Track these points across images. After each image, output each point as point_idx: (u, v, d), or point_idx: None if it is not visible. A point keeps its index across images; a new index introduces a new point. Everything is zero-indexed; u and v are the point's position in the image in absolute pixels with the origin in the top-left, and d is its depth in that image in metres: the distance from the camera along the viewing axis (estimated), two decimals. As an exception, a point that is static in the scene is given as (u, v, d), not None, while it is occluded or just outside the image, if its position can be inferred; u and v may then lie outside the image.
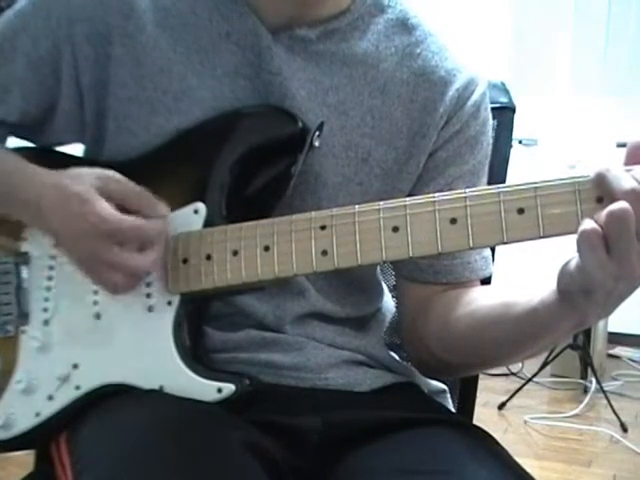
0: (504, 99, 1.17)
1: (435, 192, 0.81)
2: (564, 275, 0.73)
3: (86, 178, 0.85)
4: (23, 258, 0.94)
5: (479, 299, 0.93)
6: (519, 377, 3.45)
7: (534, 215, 0.74)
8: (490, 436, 0.91)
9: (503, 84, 1.19)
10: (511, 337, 0.87)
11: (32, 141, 1.00)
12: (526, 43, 4.20)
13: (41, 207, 0.87)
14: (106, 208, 0.82)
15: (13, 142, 1.00)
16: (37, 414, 0.90)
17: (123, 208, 0.84)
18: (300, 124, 0.88)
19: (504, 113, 1.16)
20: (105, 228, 0.82)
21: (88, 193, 0.83)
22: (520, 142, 3.43)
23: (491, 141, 1.00)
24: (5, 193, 0.91)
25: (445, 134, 0.96)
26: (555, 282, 0.76)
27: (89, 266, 0.86)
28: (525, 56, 4.20)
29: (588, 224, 0.69)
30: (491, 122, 1.00)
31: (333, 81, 0.93)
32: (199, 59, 0.92)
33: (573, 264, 0.72)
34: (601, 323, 3.52)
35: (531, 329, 0.83)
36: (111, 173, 0.86)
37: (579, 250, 0.70)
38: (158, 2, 0.92)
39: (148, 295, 0.87)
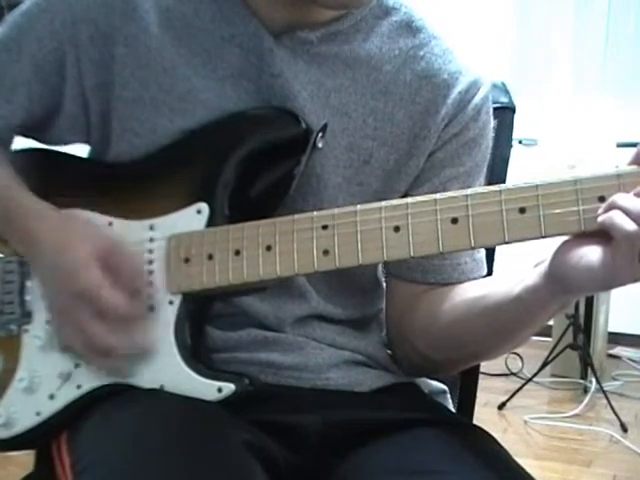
0: (504, 99, 1.17)
1: (429, 192, 0.81)
2: (579, 271, 0.74)
3: (87, 238, 0.86)
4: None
5: (463, 293, 0.94)
6: (519, 377, 3.45)
7: (535, 215, 0.74)
8: (490, 436, 0.91)
9: (503, 84, 1.19)
10: (494, 327, 0.88)
11: (38, 140, 1.00)
12: (526, 43, 4.20)
13: (33, 247, 0.88)
14: (96, 278, 0.82)
15: (19, 142, 1.00)
16: (38, 413, 0.90)
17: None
18: (303, 125, 0.88)
19: (504, 113, 1.16)
20: (88, 297, 0.82)
21: (85, 258, 0.83)
22: (520, 142, 3.43)
23: (491, 144, 1.01)
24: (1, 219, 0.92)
25: (445, 136, 0.96)
26: (547, 271, 0.77)
27: (58, 317, 0.87)
28: (525, 56, 4.21)
29: (631, 225, 0.69)
30: (492, 125, 1.00)
31: (335, 83, 0.93)
32: (202, 61, 0.92)
33: (596, 260, 0.72)
34: (601, 323, 3.52)
35: (515, 316, 0.84)
36: (114, 243, 0.86)
37: (619, 250, 0.70)
38: (161, 4, 0.92)
39: (149, 295, 0.88)
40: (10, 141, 0.99)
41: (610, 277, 0.72)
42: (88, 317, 0.83)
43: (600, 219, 0.72)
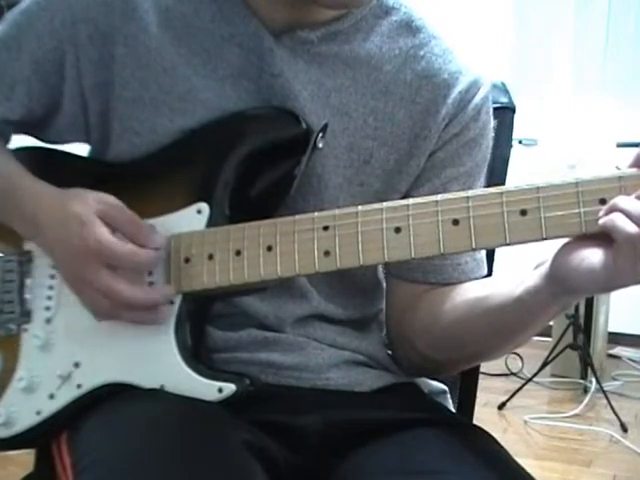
0: (504, 99, 1.17)
1: (430, 193, 0.81)
2: (580, 273, 0.74)
3: (87, 200, 0.86)
4: (26, 256, 0.94)
5: (464, 293, 0.94)
6: (519, 377, 3.45)
7: (537, 217, 0.74)
8: (490, 436, 0.91)
9: (503, 84, 1.19)
10: (495, 327, 0.88)
11: (37, 138, 1.01)
12: (526, 43, 4.20)
13: (38, 222, 0.88)
14: (104, 232, 0.83)
15: (18, 140, 1.00)
16: (38, 412, 0.90)
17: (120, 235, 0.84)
18: (304, 125, 0.88)
19: (504, 113, 1.16)
20: (100, 250, 0.83)
21: (88, 215, 0.84)
22: (520, 142, 3.43)
23: (491, 144, 1.01)
24: (3, 203, 0.92)
25: (445, 136, 0.96)
26: (548, 273, 0.77)
27: (78, 286, 0.87)
28: (525, 56, 4.20)
29: (632, 228, 0.69)
30: (492, 125, 1.00)
31: (336, 83, 0.93)
32: (202, 61, 0.92)
33: (597, 262, 0.72)
34: (601, 323, 3.52)
35: (516, 317, 0.84)
36: (112, 199, 0.86)
37: (621, 252, 0.70)
38: (161, 4, 0.92)
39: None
40: (8, 138, 0.99)
41: (612, 279, 0.72)
42: (104, 273, 0.83)
43: (601, 222, 0.72)
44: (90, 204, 0.85)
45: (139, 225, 0.86)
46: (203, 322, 0.92)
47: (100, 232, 0.83)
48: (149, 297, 0.85)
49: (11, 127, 0.98)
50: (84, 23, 0.91)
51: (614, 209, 0.71)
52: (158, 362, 0.86)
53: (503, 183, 1.13)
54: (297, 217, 0.83)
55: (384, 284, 1.06)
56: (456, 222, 0.77)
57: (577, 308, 3.28)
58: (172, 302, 0.87)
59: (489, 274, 1.04)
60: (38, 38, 0.93)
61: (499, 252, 1.02)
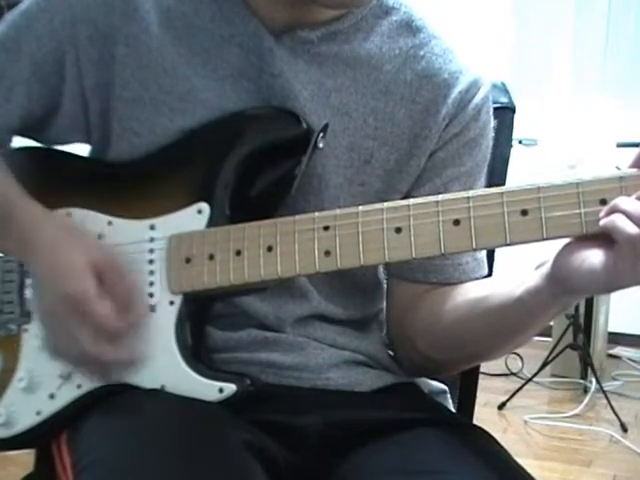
0: (504, 99, 1.17)
1: (431, 192, 0.81)
2: (581, 274, 0.74)
3: (84, 249, 0.85)
4: (26, 257, 0.94)
5: (465, 293, 0.94)
6: (519, 377, 3.45)
7: (537, 217, 0.74)
8: (490, 436, 0.91)
9: (503, 84, 1.19)
10: (496, 327, 0.89)
11: (37, 140, 1.00)
12: (526, 43, 4.20)
13: (31, 248, 0.87)
14: (90, 287, 0.82)
15: (18, 141, 1.00)
16: (38, 412, 0.90)
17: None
18: (304, 125, 0.88)
19: (504, 113, 1.16)
20: (80, 301, 0.82)
21: (81, 265, 0.83)
22: (520, 142, 3.43)
23: (491, 143, 1.01)
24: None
25: (445, 135, 0.96)
26: (549, 274, 0.78)
27: (48, 322, 0.87)
28: (525, 56, 4.20)
29: (633, 228, 0.69)
30: (492, 125, 1.00)
31: (336, 82, 0.93)
32: (202, 61, 0.92)
33: (598, 263, 0.72)
34: (601, 323, 3.52)
35: (517, 318, 0.85)
36: (110, 255, 0.86)
37: (621, 253, 0.70)
38: (161, 4, 0.92)
39: (150, 295, 0.88)
40: (9, 141, 0.99)
41: (612, 280, 0.72)
42: (78, 324, 0.82)
43: (602, 222, 0.72)
44: (84, 253, 0.84)
45: (128, 292, 0.85)
46: (203, 322, 0.92)
47: (86, 287, 0.82)
48: (113, 359, 0.84)
49: (11, 130, 0.97)
50: (84, 23, 0.91)
51: (615, 210, 0.71)
52: (158, 362, 0.86)
53: (503, 183, 1.13)
54: (297, 217, 0.83)
55: (384, 284, 1.06)
56: (457, 222, 0.77)
57: (577, 308, 3.28)
58: (172, 302, 0.87)
59: (489, 274, 1.04)
60: (37, 39, 0.93)
61: (499, 252, 1.02)
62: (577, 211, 0.73)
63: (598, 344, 3.50)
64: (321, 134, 0.89)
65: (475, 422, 1.03)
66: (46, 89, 0.94)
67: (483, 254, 1.01)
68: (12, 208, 0.89)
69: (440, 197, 0.78)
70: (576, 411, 3.11)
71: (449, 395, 1.12)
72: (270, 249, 0.83)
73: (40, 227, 0.88)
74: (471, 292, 0.93)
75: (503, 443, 0.89)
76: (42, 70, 0.93)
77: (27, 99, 0.94)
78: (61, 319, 0.84)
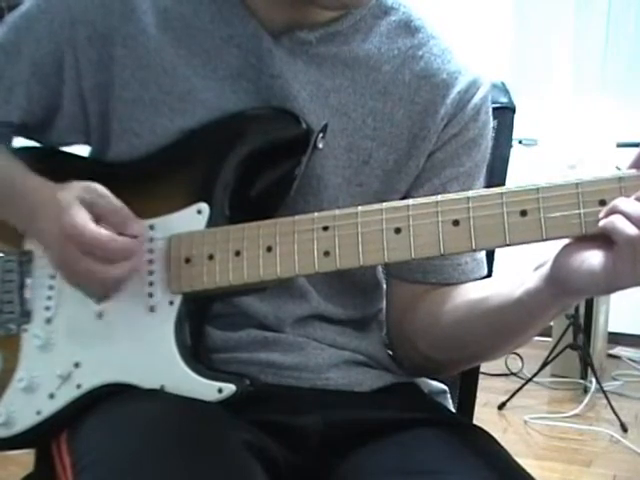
0: (504, 99, 1.17)
1: (430, 193, 0.81)
2: (581, 275, 0.74)
3: (73, 187, 0.86)
4: (26, 256, 0.95)
5: (464, 294, 0.94)
6: (519, 377, 3.45)
7: (537, 218, 0.74)
8: (490, 436, 0.91)
9: (503, 84, 1.19)
10: (496, 328, 0.89)
11: (37, 141, 1.01)
12: (526, 43, 4.20)
13: (34, 215, 0.89)
14: (80, 217, 0.83)
15: (18, 142, 1.00)
16: (38, 412, 0.90)
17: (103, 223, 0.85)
18: (304, 126, 0.88)
19: (504, 113, 1.16)
20: (74, 235, 0.83)
21: (68, 200, 0.84)
22: (520, 142, 3.43)
23: (490, 144, 1.01)
24: (4, 199, 0.93)
25: (444, 136, 0.96)
26: (548, 275, 0.78)
27: (63, 271, 0.88)
28: (525, 56, 4.20)
29: (632, 230, 0.69)
30: (491, 125, 1.00)
31: (335, 83, 0.93)
32: (201, 61, 0.92)
33: (597, 264, 0.72)
34: (601, 323, 3.52)
35: (516, 319, 0.85)
36: (98, 187, 0.86)
37: (621, 254, 0.70)
38: (159, 5, 0.92)
39: (150, 295, 0.88)
40: (9, 142, 0.99)
41: (612, 281, 0.72)
42: (79, 257, 0.83)
43: (601, 223, 0.72)
44: (74, 191, 0.85)
45: (119, 212, 0.86)
46: (203, 322, 0.92)
47: (75, 216, 0.83)
48: (110, 274, 0.85)
49: (10, 131, 0.98)
50: (83, 25, 0.92)
51: (614, 211, 0.71)
52: (158, 362, 0.86)
53: (503, 183, 1.13)
54: (297, 217, 0.83)
55: (384, 284, 1.06)
56: (456, 223, 0.77)
57: (577, 308, 3.28)
58: (172, 302, 0.87)
59: (489, 274, 1.04)
60: (37, 41, 0.93)
61: (499, 252, 1.02)
62: (576, 212, 0.73)
63: (598, 344, 3.50)
64: (321, 134, 0.89)
65: (475, 422, 1.03)
66: (46, 90, 0.94)
67: (482, 254, 1.01)
68: (14, 184, 0.92)
69: (439, 197, 0.78)
70: (576, 411, 3.11)
71: (449, 395, 1.12)
72: (269, 249, 0.83)
73: (39, 197, 0.89)
74: (471, 293, 0.93)
75: (503, 443, 0.89)
76: (42, 71, 0.94)
77: (27, 100, 0.95)
78: (70, 263, 0.85)
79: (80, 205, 0.84)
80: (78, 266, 0.84)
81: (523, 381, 3.27)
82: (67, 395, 0.89)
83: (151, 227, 0.89)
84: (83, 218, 0.83)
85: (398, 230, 0.79)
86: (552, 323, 3.39)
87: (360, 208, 0.81)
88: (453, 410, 1.12)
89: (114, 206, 0.86)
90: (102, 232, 0.83)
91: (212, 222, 0.88)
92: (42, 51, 0.93)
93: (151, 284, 0.88)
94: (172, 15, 0.92)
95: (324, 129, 0.89)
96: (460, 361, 1.01)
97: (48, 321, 0.92)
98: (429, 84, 0.95)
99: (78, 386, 0.89)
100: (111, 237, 0.83)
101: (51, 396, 0.90)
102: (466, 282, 0.97)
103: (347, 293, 0.99)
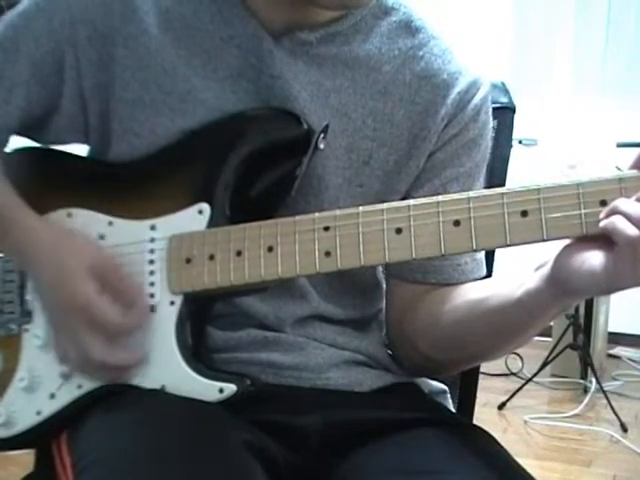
0: (504, 99, 1.17)
1: (430, 193, 0.81)
2: (581, 275, 0.74)
3: (82, 252, 0.86)
4: (26, 257, 0.94)
5: (464, 294, 0.94)
6: (519, 377, 3.45)
7: (537, 218, 0.74)
8: (490, 436, 0.91)
9: (503, 84, 1.19)
10: (496, 328, 0.89)
11: (35, 140, 1.00)
12: (526, 43, 4.20)
13: (30, 259, 0.89)
14: (92, 291, 0.83)
15: (16, 141, 1.00)
16: (38, 412, 0.90)
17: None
18: (305, 126, 0.88)
19: (504, 113, 1.16)
20: (85, 309, 0.83)
21: (80, 271, 0.84)
22: (520, 142, 3.43)
23: (490, 144, 1.01)
24: None
25: (444, 136, 0.96)
26: (549, 275, 0.78)
27: (57, 330, 0.88)
28: (525, 56, 4.20)
29: (632, 230, 0.69)
30: (491, 125, 1.00)
31: (335, 84, 0.93)
32: (201, 62, 0.92)
33: (598, 264, 0.72)
34: (601, 323, 3.52)
35: (517, 319, 0.85)
36: (109, 257, 0.87)
37: (621, 255, 0.70)
38: (160, 5, 0.92)
39: (151, 295, 0.88)
40: (6, 142, 0.99)
41: (612, 281, 0.72)
42: (84, 330, 0.83)
43: (602, 224, 0.72)
44: (84, 258, 0.85)
45: (128, 292, 0.86)
46: (204, 322, 0.92)
47: (88, 291, 0.83)
48: (119, 362, 0.85)
49: (9, 131, 0.97)
50: (83, 24, 0.91)
51: (614, 211, 0.71)
52: (159, 362, 0.86)
53: (503, 183, 1.13)
54: (298, 218, 0.83)
55: (384, 284, 1.06)
56: (457, 223, 0.77)
57: (577, 308, 3.28)
58: (173, 302, 0.87)
59: (489, 274, 1.04)
60: (36, 40, 0.92)
61: (499, 252, 1.02)
62: (577, 212, 0.73)
63: (598, 344, 3.50)
64: (322, 135, 0.89)
65: (475, 422, 1.03)
66: (45, 90, 0.94)
67: (482, 255, 1.01)
68: (10, 217, 0.90)
69: (440, 198, 0.78)
70: (576, 411, 3.11)
71: (449, 395, 1.12)
72: (270, 249, 0.83)
73: (38, 237, 0.88)
74: (471, 293, 0.93)
75: (503, 443, 0.89)
76: (41, 71, 0.93)
77: (26, 100, 0.94)
78: (70, 329, 0.85)
79: (91, 276, 0.84)
80: (76, 336, 0.84)
81: (523, 381, 3.27)
82: (68, 395, 0.89)
83: (152, 227, 0.89)
84: (93, 292, 0.83)
85: (399, 230, 0.79)
86: (552, 323, 3.39)
87: (361, 208, 0.81)
88: (453, 410, 1.12)
89: (124, 285, 0.86)
90: (113, 312, 0.84)
91: (213, 222, 0.88)
92: (41, 50, 0.92)
93: (152, 284, 0.88)
94: (173, 15, 0.92)
95: (325, 129, 0.89)
96: (460, 361, 1.01)
97: (49, 321, 0.92)
98: (429, 84, 0.95)
99: (79, 386, 0.89)
100: (121, 321, 0.84)
101: (52, 396, 0.90)
102: (466, 282, 0.97)
103: (347, 293, 0.99)
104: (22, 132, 0.98)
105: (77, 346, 0.84)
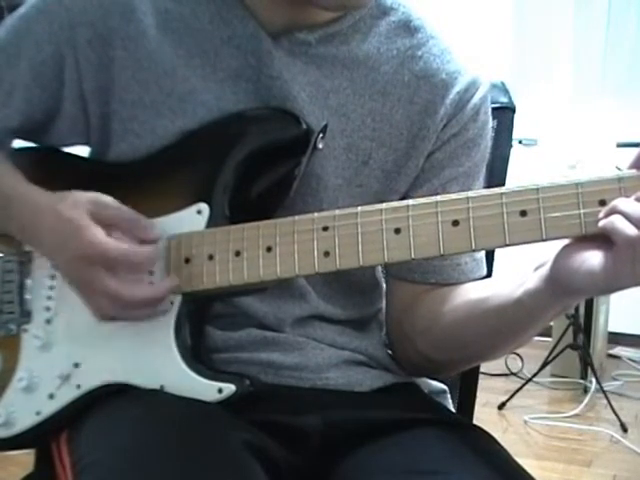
0: (504, 99, 1.17)
1: (429, 193, 0.81)
2: (580, 275, 0.74)
3: (80, 203, 0.86)
4: (26, 257, 0.94)
5: (464, 294, 0.94)
6: (519, 377, 3.45)
7: (536, 218, 0.74)
8: (490, 436, 0.91)
9: (503, 84, 1.19)
10: (496, 328, 0.89)
11: (36, 142, 1.00)
12: (526, 43, 4.20)
13: (36, 231, 0.89)
14: (98, 235, 0.83)
15: (17, 143, 1.00)
16: (38, 412, 0.90)
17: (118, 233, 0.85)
18: (304, 126, 0.88)
19: (504, 113, 1.16)
20: (95, 254, 0.83)
21: (81, 219, 0.84)
22: (520, 142, 3.43)
23: (490, 144, 1.01)
24: (1, 213, 0.92)
25: (443, 136, 0.96)
26: (548, 275, 0.78)
27: (80, 289, 0.87)
28: (525, 56, 4.20)
29: (632, 230, 0.69)
30: (490, 125, 1.00)
31: (334, 84, 0.93)
32: (201, 62, 0.92)
33: (597, 264, 0.72)
34: (601, 323, 3.52)
35: (516, 319, 0.85)
36: (105, 198, 0.86)
37: (620, 254, 0.70)
38: (159, 6, 0.92)
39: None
40: (9, 145, 0.99)
41: (611, 281, 0.72)
42: (102, 275, 0.83)
43: (601, 224, 0.72)
44: (82, 207, 0.85)
45: (135, 220, 0.86)
46: (203, 322, 0.92)
47: (93, 235, 0.83)
48: (148, 296, 0.85)
49: (10, 134, 0.97)
50: (83, 26, 0.91)
51: (614, 211, 0.71)
52: (158, 362, 0.86)
53: (503, 183, 1.13)
54: (297, 218, 0.83)
55: (383, 284, 1.06)
56: (456, 223, 0.77)
57: (577, 308, 3.28)
58: (172, 302, 0.87)
59: (489, 274, 1.04)
60: (37, 43, 0.93)
61: (499, 252, 1.02)
62: (576, 212, 0.73)
63: (598, 344, 3.50)
64: (321, 135, 0.89)
65: (475, 422, 1.03)
66: (46, 93, 0.94)
67: (482, 254, 1.01)
68: (11, 200, 0.91)
69: (439, 198, 0.78)
70: (576, 411, 3.11)
71: (449, 395, 1.12)
72: (269, 249, 0.83)
73: (39, 212, 0.88)
74: (470, 293, 0.93)
75: (503, 443, 0.89)
76: (42, 74, 0.93)
77: (27, 104, 0.94)
78: (90, 282, 0.84)
79: (92, 221, 0.84)
80: (95, 284, 0.84)
81: (523, 381, 3.27)
82: (67, 395, 0.89)
83: (151, 227, 0.89)
84: (100, 235, 0.83)
85: (398, 230, 0.79)
86: (552, 323, 3.39)
87: (360, 208, 0.81)
88: (453, 410, 1.12)
89: (125, 214, 0.86)
90: (124, 246, 0.83)
91: (212, 222, 0.88)
92: (42, 53, 0.93)
93: (151, 284, 0.88)
94: (172, 16, 0.92)
95: (324, 129, 0.89)
96: (460, 361, 1.01)
97: (48, 321, 0.92)
98: (428, 84, 0.95)
99: (78, 386, 0.89)
100: (134, 250, 0.84)
101: (51, 396, 0.90)
102: (466, 282, 0.97)
103: (346, 293, 0.99)
104: (23, 135, 0.99)
105: (106, 295, 0.84)
